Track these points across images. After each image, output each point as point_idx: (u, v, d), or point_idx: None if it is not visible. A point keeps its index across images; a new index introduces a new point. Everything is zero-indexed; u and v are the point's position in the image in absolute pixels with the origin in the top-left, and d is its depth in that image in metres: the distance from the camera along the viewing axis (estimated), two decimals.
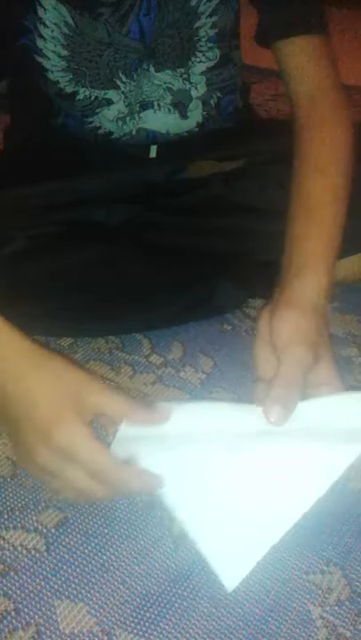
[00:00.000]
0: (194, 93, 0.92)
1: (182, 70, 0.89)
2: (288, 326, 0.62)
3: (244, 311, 0.98)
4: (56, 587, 0.63)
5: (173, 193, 0.94)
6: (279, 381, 0.59)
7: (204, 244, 0.91)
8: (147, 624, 0.61)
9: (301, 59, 0.84)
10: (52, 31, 0.84)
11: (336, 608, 0.63)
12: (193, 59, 0.89)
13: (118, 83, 0.88)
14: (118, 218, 0.91)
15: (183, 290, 0.89)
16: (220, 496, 0.59)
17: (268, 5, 0.85)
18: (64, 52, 0.86)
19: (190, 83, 0.91)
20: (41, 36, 0.85)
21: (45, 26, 0.84)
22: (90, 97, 0.89)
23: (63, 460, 0.57)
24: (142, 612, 0.62)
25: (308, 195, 0.74)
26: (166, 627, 0.61)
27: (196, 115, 0.93)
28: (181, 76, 0.90)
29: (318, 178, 0.75)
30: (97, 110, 0.90)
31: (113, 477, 0.58)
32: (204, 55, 0.90)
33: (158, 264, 0.89)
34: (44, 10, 0.83)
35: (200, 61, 0.90)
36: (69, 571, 0.64)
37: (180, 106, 0.92)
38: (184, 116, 0.93)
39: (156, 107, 0.91)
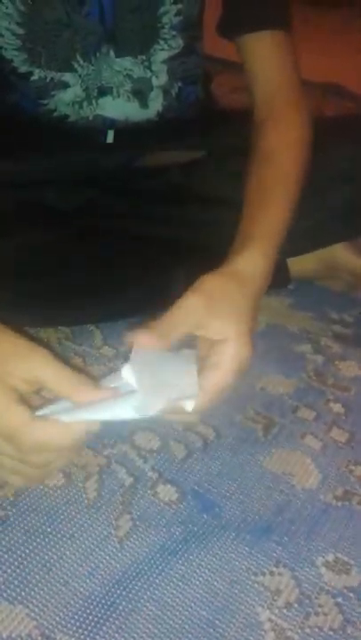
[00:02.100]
0: (155, 82, 0.89)
1: (143, 57, 0.87)
2: (194, 287, 0.63)
3: None
4: None
5: (130, 180, 0.91)
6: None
7: (162, 234, 0.88)
8: (89, 627, 0.58)
9: (264, 54, 0.84)
10: (7, 7, 0.80)
11: (285, 611, 0.61)
12: (155, 46, 0.87)
13: (76, 65, 0.85)
14: (71, 202, 0.88)
15: (139, 281, 0.86)
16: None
17: None
18: (19, 31, 0.82)
19: (151, 71, 0.88)
20: None
21: (0, 1, 0.80)
22: (45, 78, 0.86)
23: None
24: (85, 614, 0.59)
25: (259, 182, 0.75)
26: (110, 630, 0.58)
27: (156, 104, 0.91)
28: (142, 63, 0.87)
29: (270, 168, 0.76)
30: (52, 93, 0.87)
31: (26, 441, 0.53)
32: (166, 43, 0.87)
33: (113, 252, 0.87)
34: None
35: (162, 49, 0.88)
36: (8, 571, 0.61)
37: (140, 94, 0.89)
38: (144, 104, 0.90)
39: (115, 93, 0.88)
